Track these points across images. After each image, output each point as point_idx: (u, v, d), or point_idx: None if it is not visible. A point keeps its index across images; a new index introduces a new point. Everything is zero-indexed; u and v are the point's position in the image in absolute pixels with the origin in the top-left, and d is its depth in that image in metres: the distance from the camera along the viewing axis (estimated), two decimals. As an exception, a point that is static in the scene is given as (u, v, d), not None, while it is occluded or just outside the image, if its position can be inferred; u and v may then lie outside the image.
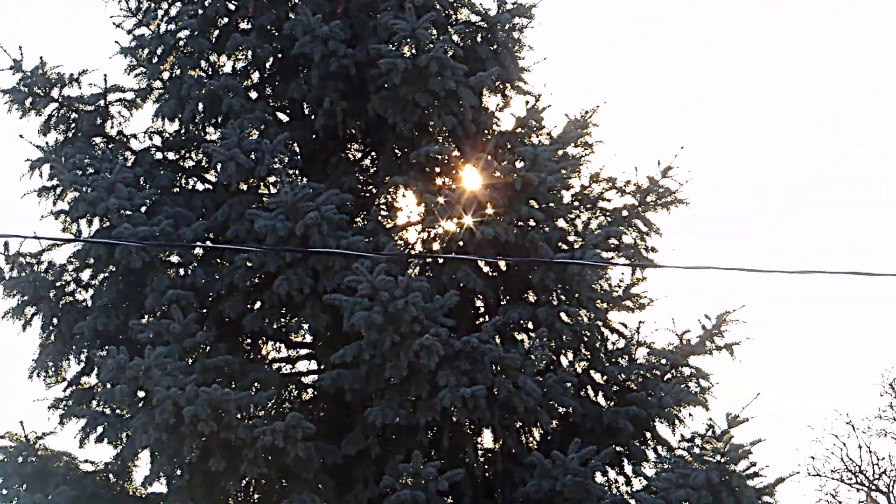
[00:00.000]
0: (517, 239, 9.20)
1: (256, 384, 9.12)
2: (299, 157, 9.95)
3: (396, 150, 9.90)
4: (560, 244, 9.44)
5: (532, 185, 9.15)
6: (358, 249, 8.76)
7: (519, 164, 9.23)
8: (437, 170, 9.73)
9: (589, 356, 9.57)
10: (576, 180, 9.69)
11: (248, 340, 9.76)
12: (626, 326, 9.81)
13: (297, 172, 9.75)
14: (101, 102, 9.81)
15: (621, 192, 9.87)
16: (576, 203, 9.82)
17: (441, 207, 9.16)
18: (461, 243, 9.21)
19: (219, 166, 9.29)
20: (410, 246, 9.64)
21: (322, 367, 9.65)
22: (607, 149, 9.85)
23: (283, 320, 9.60)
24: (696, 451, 8.54)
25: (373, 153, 10.24)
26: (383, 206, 9.94)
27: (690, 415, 9.26)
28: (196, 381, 8.36)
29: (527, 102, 9.83)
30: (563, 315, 9.19)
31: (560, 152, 9.54)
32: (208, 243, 9.41)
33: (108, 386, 8.61)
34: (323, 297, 8.76)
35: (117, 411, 8.94)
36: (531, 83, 9.93)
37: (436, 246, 9.38)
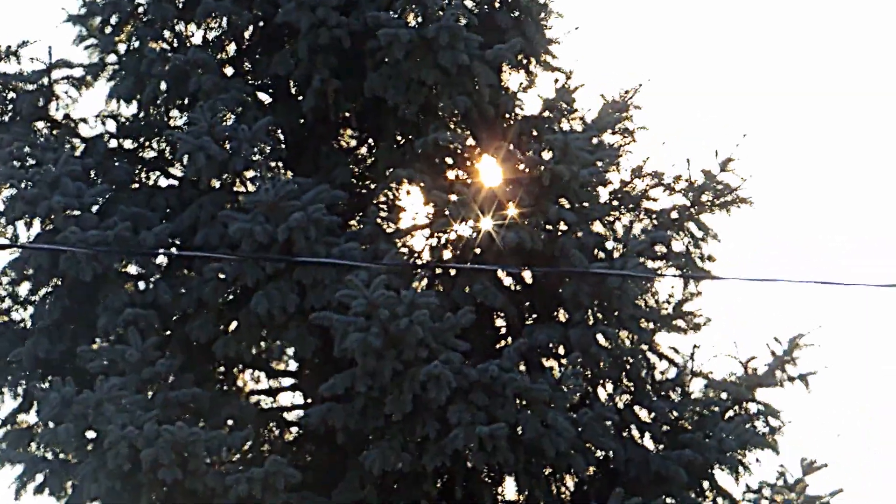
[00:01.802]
0: (545, 245, 9.19)
1: (230, 422, 9.11)
2: (283, 146, 9.94)
3: (399, 138, 9.93)
4: (596, 252, 9.44)
5: (562, 180, 9.12)
6: (352, 258, 8.80)
7: (546, 155, 9.22)
8: (448, 162, 9.74)
9: (632, 388, 9.55)
10: (615, 175, 9.73)
11: (221, 369, 9.78)
12: (677, 352, 9.81)
13: (280, 165, 9.76)
14: (45, 80, 9.76)
15: (670, 189, 9.86)
16: (615, 202, 9.83)
17: (453, 207, 9.16)
18: (478, 251, 9.20)
19: (185, 158, 9.26)
20: (416, 254, 9.60)
21: (309, 400, 9.66)
22: (653, 137, 9.89)
23: (262, 344, 9.62)
24: (765, 503, 8.58)
25: (370, 141, 10.28)
26: (383, 206, 9.98)
27: (758, 460, 9.25)
28: (157, 419, 8.37)
29: (555, 81, 9.85)
30: (600, 337, 9.20)
31: (595, 141, 9.50)
32: (173, 251, 9.40)
33: (51, 425, 8.57)
34: (310, 316, 8.74)
35: (61, 455, 8.89)
36: (560, 57, 9.98)
37: (447, 254, 9.38)
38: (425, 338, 8.46)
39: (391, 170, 9.67)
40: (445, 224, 9.23)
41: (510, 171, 9.20)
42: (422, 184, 9.49)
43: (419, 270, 9.23)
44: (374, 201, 9.96)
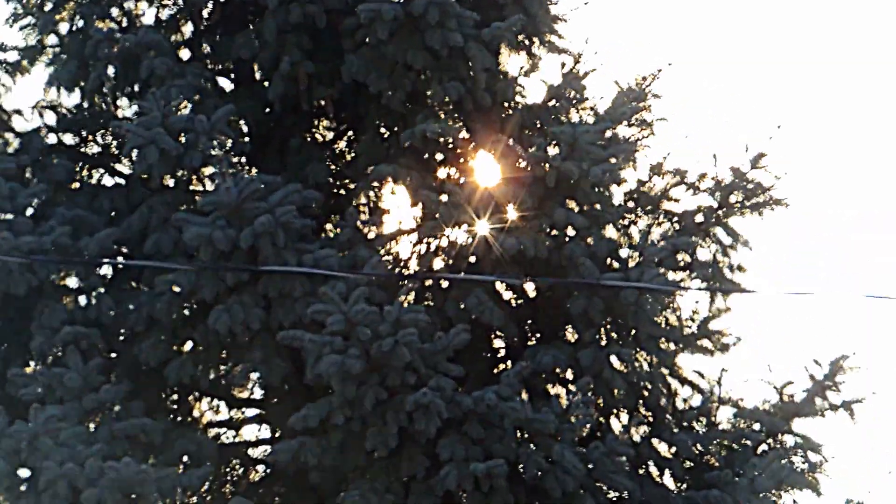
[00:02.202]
0: (550, 254, 9.19)
1: (185, 458, 9.08)
2: (247, 139, 9.98)
3: (382, 131, 9.97)
4: (609, 261, 9.39)
5: (570, 179, 9.12)
6: (328, 267, 8.76)
7: (552, 151, 9.21)
8: (439, 157, 9.74)
9: (651, 418, 9.54)
10: (630, 172, 9.73)
11: (175, 397, 9.75)
12: (702, 376, 9.79)
13: (243, 161, 9.82)
14: (-29, 66, 9.92)
15: (694, 188, 9.86)
16: (631, 204, 9.84)
17: (444, 209, 9.17)
18: (473, 260, 9.23)
19: (135, 153, 9.24)
20: (402, 263, 9.63)
21: (277, 434, 9.69)
22: (674, 129, 9.90)
23: (222, 368, 9.59)
24: (803, 551, 8.78)
25: (349, 134, 10.34)
26: (364, 208, 10.02)
27: (795, 502, 9.23)
28: (101, 454, 8.32)
29: (562, 65, 9.86)
30: (614, 360, 9.17)
31: (608, 134, 9.48)
32: (119, 260, 9.37)
33: (-22, 461, 8.52)
34: (278, 335, 8.68)
35: (-8, 495, 8.81)
36: (567, 38, 9.99)
37: (438, 263, 9.39)
38: (413, 361, 8.46)
39: (373, 166, 9.70)
40: (436, 229, 9.25)
41: (510, 168, 9.22)
42: (408, 182, 9.48)
43: (405, 282, 9.18)
44: (354, 202, 9.99)
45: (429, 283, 9.33)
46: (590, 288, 8.96)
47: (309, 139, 10.18)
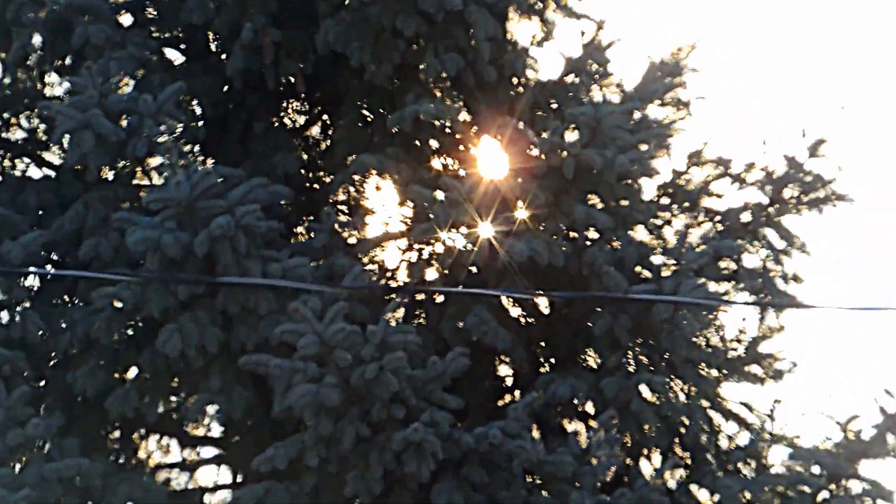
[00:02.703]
0: (568, 261, 9.17)
1: None
2: (201, 123, 10.01)
3: (365, 112, 10.04)
4: (639, 269, 9.41)
5: (592, 169, 9.10)
6: (300, 279, 8.82)
7: (571, 136, 9.21)
8: (434, 145, 9.84)
9: (689, 459, 9.50)
10: (664, 162, 9.75)
11: (116, 433, 9.75)
12: (751, 409, 9.75)
13: (197, 149, 9.88)
14: None
15: (740, 181, 9.89)
16: (664, 200, 9.90)
17: (440, 208, 9.14)
18: (474, 269, 9.23)
19: (67, 139, 9.20)
20: (389, 274, 9.66)
21: (239, 477, 9.72)
22: (716, 109, 10.06)
23: (173, 399, 9.62)
24: None
25: (325, 117, 10.42)
26: (343, 207, 10.09)
27: None
28: (29, 501, 8.35)
29: (582, 33, 9.91)
30: (644, 389, 9.16)
31: (637, 115, 9.50)
32: (49, 269, 9.43)
33: None
34: (240, 360, 8.67)
35: None
36: (588, 2, 10.06)
37: (432, 274, 9.39)
38: (401, 391, 8.45)
39: (354, 156, 9.71)
40: (429, 232, 9.22)
41: (520, 157, 9.21)
42: (396, 176, 9.53)
43: (393, 296, 9.19)
44: (331, 200, 10.04)
45: (421, 297, 9.40)
46: (615, 302, 9.00)
47: (276, 123, 10.26)
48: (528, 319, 9.66)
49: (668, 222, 9.80)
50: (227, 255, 8.74)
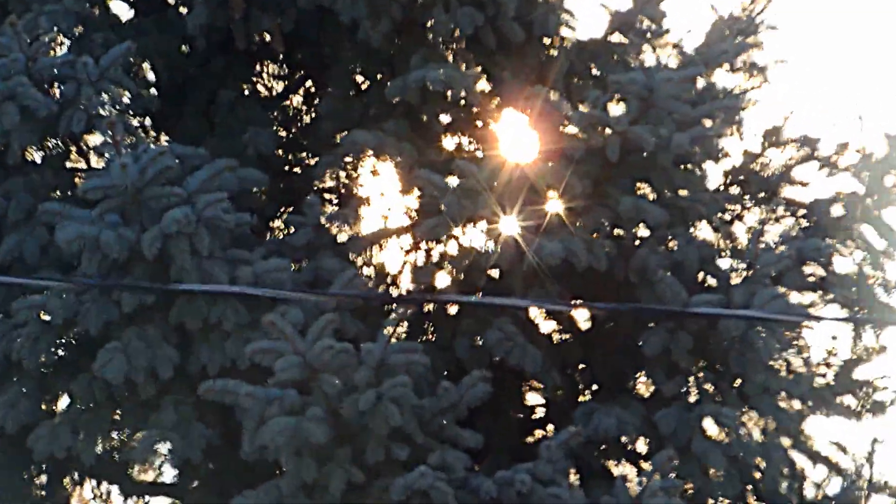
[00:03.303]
0: (612, 264, 9.20)
1: None
2: (155, 91, 10.12)
3: (358, 79, 10.16)
4: (702, 276, 9.42)
5: (642, 150, 9.14)
6: (277, 285, 8.84)
7: (616, 109, 9.27)
8: (445, 120, 9.90)
9: None
10: (734, 142, 9.92)
11: (44, 478, 9.72)
12: (843, 450, 9.79)
13: (149, 124, 10.05)
14: None
15: (830, 166, 9.96)
16: (734, 189, 10.00)
17: (453, 199, 9.13)
18: (496, 273, 9.31)
19: None
20: (391, 279, 9.74)
21: None
22: (800, 77, 10.49)
23: (115, 436, 9.67)
24: None
25: (308, 84, 10.59)
26: (331, 196, 10.26)
27: None
28: None
29: None
30: (708, 424, 9.16)
31: (701, 83, 9.60)
32: None
33: None
34: (200, 387, 8.55)
35: None
36: None
37: (443, 279, 9.45)
38: (405, 425, 8.37)
39: (344, 133, 9.78)
40: (440, 227, 9.22)
41: (552, 135, 9.23)
42: (398, 158, 9.59)
43: (394, 307, 9.12)
44: (316, 186, 10.12)
45: (430, 308, 9.47)
46: (672, 317, 9.04)
47: (248, 92, 10.35)
48: (564, 336, 9.73)
49: (739, 217, 9.93)
50: (185, 256, 8.68)
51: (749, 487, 9.47)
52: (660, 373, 9.30)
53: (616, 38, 9.90)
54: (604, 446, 9.29)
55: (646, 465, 9.14)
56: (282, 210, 10.04)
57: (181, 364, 8.87)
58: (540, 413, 9.79)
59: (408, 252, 9.73)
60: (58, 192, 9.34)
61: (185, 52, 10.09)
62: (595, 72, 9.86)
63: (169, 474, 9.99)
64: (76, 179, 9.34)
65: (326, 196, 10.14)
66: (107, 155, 9.11)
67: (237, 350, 8.73)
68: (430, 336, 9.46)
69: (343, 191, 10.21)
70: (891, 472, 9.74)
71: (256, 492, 8.54)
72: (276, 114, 10.33)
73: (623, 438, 9.28)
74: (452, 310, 9.40)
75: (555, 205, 9.14)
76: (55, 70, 9.24)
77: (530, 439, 9.54)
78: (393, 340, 8.60)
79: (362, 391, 8.32)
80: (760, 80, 9.93)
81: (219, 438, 8.97)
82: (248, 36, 9.90)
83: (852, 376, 9.79)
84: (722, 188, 9.84)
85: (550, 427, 9.57)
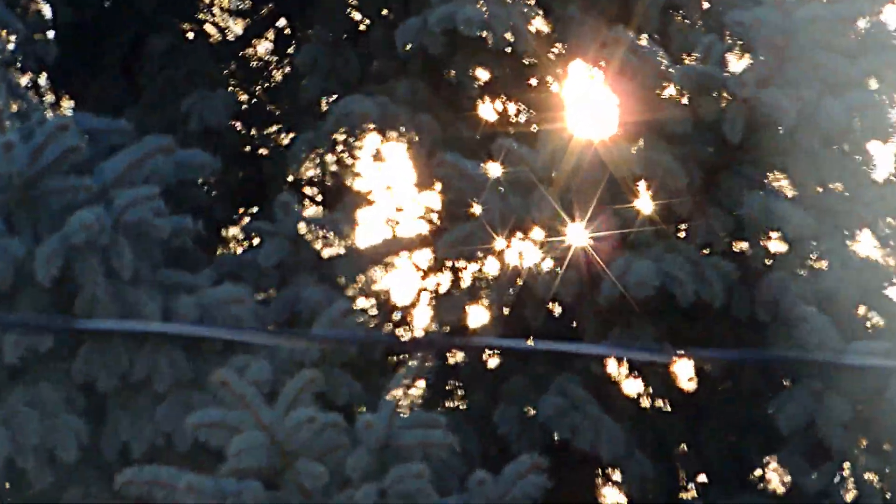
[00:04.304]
0: (731, 293, 9.17)
1: None
2: (53, 34, 10.41)
3: (353, 16, 10.49)
4: (864, 310, 9.30)
5: (776, 124, 9.10)
6: (233, 320, 8.86)
7: (736, 63, 9.38)
8: (482, 77, 10.02)
9: None
10: None
11: None
12: None
13: (44, 82, 10.58)
14: None
15: None
16: None
17: (494, 195, 9.20)
18: (557, 307, 9.31)
19: None
20: (401, 315, 9.82)
21: None
22: None
23: None
24: None
25: (281, 23, 10.96)
26: (313, 190, 10.60)
27: None
28: None
29: None
30: None
31: (863, 25, 9.53)
32: None
33: None
34: (118, 477, 8.24)
35: None
36: None
37: (478, 316, 9.49)
38: None
39: (334, 98, 10.16)
40: (473, 238, 9.30)
41: (642, 102, 9.27)
42: (413, 134, 9.73)
43: (405, 357, 9.37)
44: (292, 178, 10.47)
45: (457, 359, 9.66)
46: (820, 373, 8.93)
47: (192, 36, 10.78)
48: (657, 402, 9.82)
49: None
50: (97, 278, 8.60)
51: None
52: (800, 457, 9.16)
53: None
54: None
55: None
56: (241, 212, 10.27)
57: (91, 441, 8.74)
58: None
59: (426, 275, 9.81)
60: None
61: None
62: (706, 5, 10.01)
63: None
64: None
65: (307, 191, 10.31)
66: (-6, 131, 8.98)
67: (173, 422, 8.64)
68: (458, 402, 9.63)
69: (331, 184, 10.28)
70: None
71: None
72: (232, 68, 10.60)
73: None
74: (492, 362, 9.50)
75: (646, 205, 9.22)
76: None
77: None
78: (403, 407, 8.56)
79: (357, 485, 8.24)
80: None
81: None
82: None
83: None
84: (894, 180, 9.75)
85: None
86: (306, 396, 8.31)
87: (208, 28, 11.02)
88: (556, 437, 9.14)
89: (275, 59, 11.00)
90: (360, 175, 10.38)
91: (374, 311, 9.86)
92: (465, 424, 9.14)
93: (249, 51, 11.01)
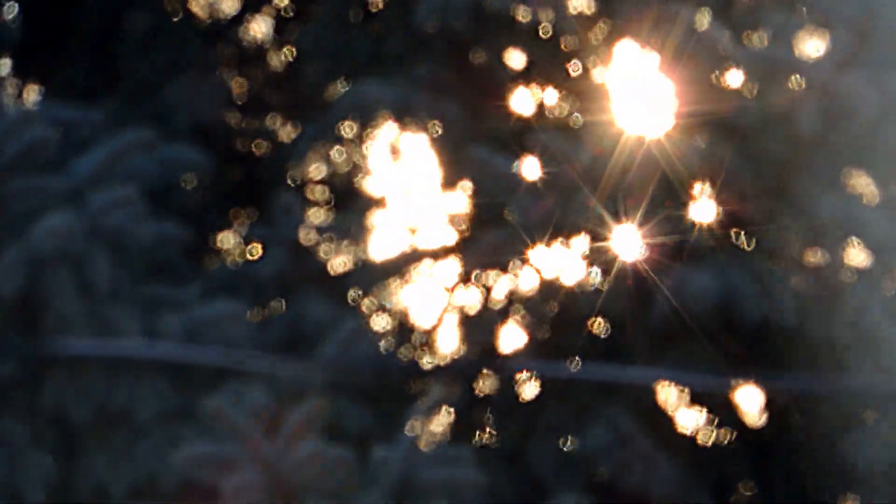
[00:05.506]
0: (803, 314, 9.23)
1: None
2: (18, 12, 10.49)
3: None
4: None
5: (857, 114, 9.18)
6: (229, 344, 8.88)
7: (812, 45, 9.40)
8: (517, 59, 9.96)
9: None
10: None
11: None
12: None
13: (7, 68, 10.35)
14: None
15: None
16: None
17: (530, 196, 9.20)
18: (605, 324, 9.39)
19: None
20: (420, 336, 9.67)
21: None
22: None
23: None
24: None
25: (293, 8, 10.88)
26: (318, 189, 10.35)
27: None
28: None
29: None
30: None
31: None
32: None
33: None
34: None
35: None
36: None
37: (511, 337, 9.51)
38: None
39: (341, 82, 10.09)
40: (505, 245, 9.30)
41: (701, 89, 9.30)
42: (435, 124, 9.30)
43: (425, 384, 9.32)
44: (294, 177, 10.33)
45: (485, 384, 9.50)
46: None
47: (176, 15, 10.65)
48: (719, 434, 9.65)
49: None
50: (68, 293, 8.62)
51: None
52: (881, 500, 9.30)
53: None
54: None
55: None
56: (235, 217, 10.28)
57: (63, 481, 8.70)
58: None
59: (452, 288, 9.66)
60: None
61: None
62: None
63: None
64: None
65: (311, 193, 10.27)
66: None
67: (157, 458, 8.56)
68: (488, 436, 9.45)
69: (339, 184, 10.22)
70: None
71: None
72: (223, 50, 10.45)
73: None
74: (527, 390, 9.42)
75: (706, 210, 9.12)
76: None
77: None
78: (423, 443, 8.63)
79: (376, 542, 7.52)
80: None
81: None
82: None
83: None
84: None
85: None
86: (311, 428, 8.32)
87: (195, 6, 10.81)
88: (600, 476, 9.17)
89: (272, 40, 10.83)
90: (370, 171, 10.26)
91: (390, 332, 9.72)
92: (496, 461, 9.15)
93: (240, 31, 10.79)
